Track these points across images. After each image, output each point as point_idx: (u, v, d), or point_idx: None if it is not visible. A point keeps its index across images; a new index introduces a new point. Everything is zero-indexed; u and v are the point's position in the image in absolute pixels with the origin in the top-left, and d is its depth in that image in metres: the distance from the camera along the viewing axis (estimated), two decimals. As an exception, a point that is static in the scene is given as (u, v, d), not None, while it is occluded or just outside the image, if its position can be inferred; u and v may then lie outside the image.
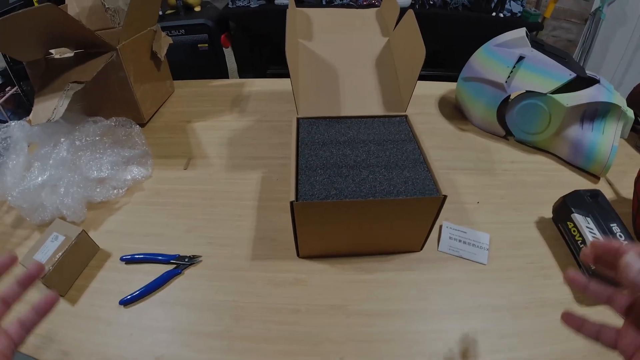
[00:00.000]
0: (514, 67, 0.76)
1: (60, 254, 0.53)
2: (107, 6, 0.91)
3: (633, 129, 0.86)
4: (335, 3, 1.67)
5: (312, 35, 0.72)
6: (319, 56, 0.69)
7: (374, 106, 0.64)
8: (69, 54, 0.76)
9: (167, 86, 0.94)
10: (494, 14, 1.67)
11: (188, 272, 0.56)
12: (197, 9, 1.53)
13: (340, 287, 0.54)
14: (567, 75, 0.72)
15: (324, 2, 1.71)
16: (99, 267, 0.57)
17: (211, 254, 0.59)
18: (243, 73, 1.67)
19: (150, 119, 0.87)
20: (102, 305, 0.52)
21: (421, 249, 0.60)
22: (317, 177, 0.51)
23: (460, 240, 0.61)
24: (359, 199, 0.48)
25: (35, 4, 1.59)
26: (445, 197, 0.49)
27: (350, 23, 0.78)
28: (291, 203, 0.47)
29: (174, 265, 0.57)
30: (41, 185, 0.64)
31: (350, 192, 0.49)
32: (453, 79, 0.88)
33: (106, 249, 0.59)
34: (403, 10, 0.66)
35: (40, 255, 0.53)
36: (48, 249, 0.53)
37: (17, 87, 1.50)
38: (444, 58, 1.64)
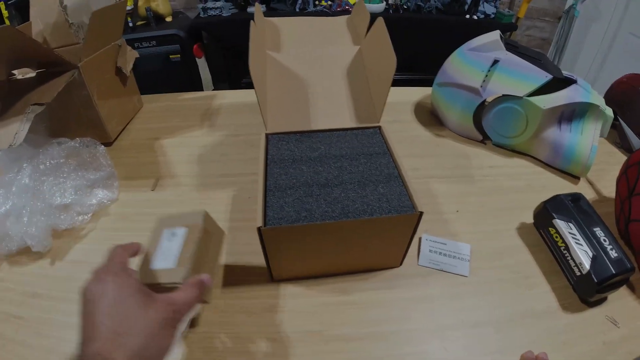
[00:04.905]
0: (489, 71, 0.74)
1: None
2: (70, 21, 0.87)
3: (612, 126, 0.86)
4: (309, 10, 1.65)
5: (280, 46, 0.70)
6: (288, 68, 0.67)
7: (346, 118, 0.62)
8: (30, 74, 0.72)
9: (134, 102, 0.90)
10: (467, 16, 1.66)
11: (157, 302, 0.54)
12: (169, 19, 1.48)
13: (318, 311, 0.52)
14: (543, 77, 0.71)
15: (297, 9, 1.68)
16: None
17: (181, 282, 0.56)
18: (218, 83, 1.62)
19: (118, 137, 0.83)
20: (72, 340, 0.49)
21: (400, 265, 0.58)
22: (287, 198, 0.49)
23: (440, 253, 0.59)
24: (330, 220, 0.46)
25: (7, 22, 1.54)
26: (421, 213, 0.47)
27: (320, 32, 0.75)
28: (259, 229, 0.45)
29: (143, 296, 0.54)
30: (5, 214, 0.60)
31: (322, 213, 0.47)
32: (429, 82, 0.86)
33: (72, 280, 0.56)
34: (375, 17, 0.64)
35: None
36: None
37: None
38: (420, 62, 1.63)
